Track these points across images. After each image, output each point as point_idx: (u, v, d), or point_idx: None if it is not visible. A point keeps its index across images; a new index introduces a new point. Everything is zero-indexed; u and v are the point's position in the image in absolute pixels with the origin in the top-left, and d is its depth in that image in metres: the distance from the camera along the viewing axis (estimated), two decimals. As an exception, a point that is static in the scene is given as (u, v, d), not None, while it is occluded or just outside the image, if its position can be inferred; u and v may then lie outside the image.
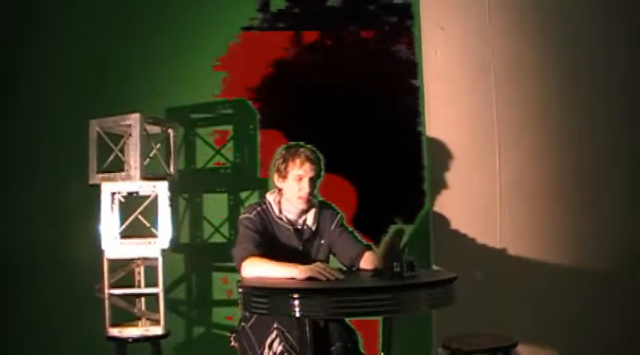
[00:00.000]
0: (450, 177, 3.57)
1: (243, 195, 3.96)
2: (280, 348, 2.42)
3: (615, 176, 3.43)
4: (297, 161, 2.63)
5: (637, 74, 3.43)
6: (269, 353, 2.44)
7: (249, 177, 3.95)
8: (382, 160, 3.81)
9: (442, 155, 3.59)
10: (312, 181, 2.64)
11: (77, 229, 3.60)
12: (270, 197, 2.74)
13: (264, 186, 3.93)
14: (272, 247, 2.60)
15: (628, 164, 3.42)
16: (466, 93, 3.55)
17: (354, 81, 3.74)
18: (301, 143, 2.71)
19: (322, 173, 2.71)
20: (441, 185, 3.59)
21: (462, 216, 3.54)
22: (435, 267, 3.52)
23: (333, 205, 2.83)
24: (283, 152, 2.69)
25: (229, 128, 4.02)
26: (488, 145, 3.52)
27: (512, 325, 3.19)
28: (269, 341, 2.46)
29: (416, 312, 2.58)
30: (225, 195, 3.96)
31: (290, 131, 3.89)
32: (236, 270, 2.59)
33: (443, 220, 3.58)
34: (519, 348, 2.95)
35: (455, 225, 3.55)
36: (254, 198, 3.88)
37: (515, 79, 3.53)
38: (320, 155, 2.70)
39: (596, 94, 3.43)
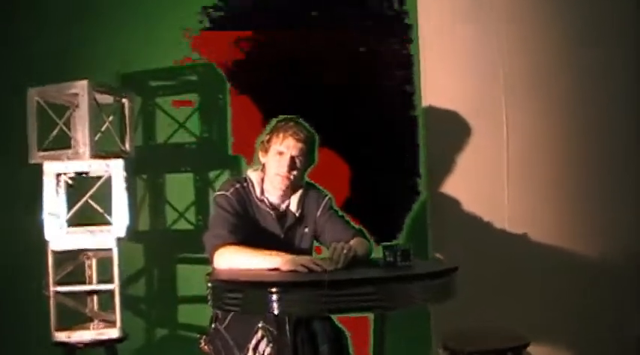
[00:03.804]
0: (449, 155, 3.61)
1: (212, 174, 3.99)
2: (268, 350, 2.43)
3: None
4: (281, 135, 2.65)
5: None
6: (255, 356, 2.44)
7: (219, 155, 3.97)
8: (376, 135, 3.92)
9: (440, 131, 3.63)
10: (295, 160, 2.65)
11: (17, 217, 3.61)
12: (253, 174, 2.75)
13: (236, 164, 3.96)
14: (251, 233, 2.60)
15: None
16: (469, 60, 3.54)
17: (342, 46, 3.84)
18: (296, 118, 2.72)
19: (315, 157, 2.73)
20: (439, 165, 3.63)
21: (464, 199, 3.56)
22: (434, 257, 3.58)
23: (320, 187, 2.85)
24: (272, 124, 2.72)
25: (195, 97, 4.04)
26: (495, 119, 3.52)
27: (521, 321, 3.22)
28: (253, 342, 2.46)
29: (411, 307, 2.59)
30: (191, 176, 4.00)
31: (268, 100, 3.93)
32: (206, 261, 2.58)
33: (442, 204, 3.62)
34: (530, 348, 2.96)
35: (455, 209, 3.57)
36: (224, 178, 3.91)
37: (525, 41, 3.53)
38: (313, 135, 2.70)
39: (624, 58, 3.47)
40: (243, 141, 3.95)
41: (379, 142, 3.97)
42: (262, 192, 2.71)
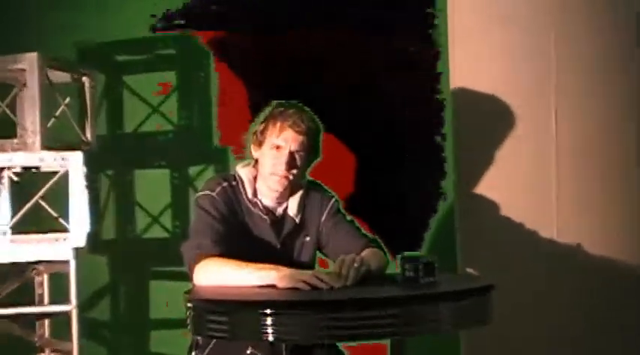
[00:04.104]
0: (484, 149, 3.65)
1: (193, 171, 4.02)
2: None
3: None
4: (278, 125, 2.64)
5: None
6: (243, 387, 2.44)
7: (202, 146, 3.99)
8: (392, 123, 3.94)
9: (473, 120, 3.67)
10: (295, 156, 2.65)
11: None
12: (243, 171, 2.75)
13: (223, 158, 3.97)
14: (240, 242, 2.61)
15: None
16: (511, 40, 3.61)
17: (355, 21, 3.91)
18: (298, 104, 2.72)
19: (319, 151, 2.72)
20: (470, 161, 3.68)
21: (501, 202, 3.60)
22: (464, 272, 3.60)
23: (325, 187, 2.86)
24: (268, 111, 2.72)
25: (172, 75, 4.04)
26: (541, 108, 3.59)
27: (572, 351, 3.23)
28: (241, 375, 2.45)
29: (436, 334, 2.60)
30: (167, 172, 4.02)
31: (264, 81, 3.94)
32: (185, 276, 2.58)
33: (474, 207, 3.65)
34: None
35: (490, 214, 3.60)
36: (208, 175, 3.92)
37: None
38: (317, 125, 2.70)
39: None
40: (231, 130, 3.96)
41: (395, 132, 3.99)
42: (255, 193, 2.71)
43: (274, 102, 2.75)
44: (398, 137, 3.98)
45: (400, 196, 3.99)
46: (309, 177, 2.82)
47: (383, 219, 3.85)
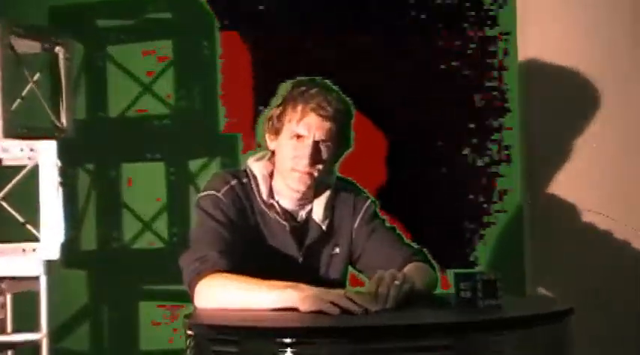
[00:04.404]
0: (558, 142, 3.71)
1: (194, 165, 4.05)
2: None
3: None
4: (299, 108, 2.63)
5: None
6: None
7: (205, 134, 4.05)
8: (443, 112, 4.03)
9: (548, 102, 3.73)
10: (321, 147, 2.65)
11: None
12: (256, 166, 2.75)
13: (230, 149, 3.99)
14: (253, 254, 2.61)
15: None
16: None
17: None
18: (323, 81, 2.72)
19: (350, 140, 2.74)
20: (543, 155, 3.72)
21: (584, 203, 3.64)
22: (535, 292, 3.60)
23: (359, 186, 2.87)
24: (286, 90, 2.72)
25: (168, 46, 4.07)
26: (625, 94, 3.67)
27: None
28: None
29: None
30: (162, 166, 4.06)
31: (283, 53, 3.96)
32: (185, 297, 2.56)
33: (548, 210, 3.68)
34: None
35: (569, 218, 3.63)
36: (213, 170, 3.94)
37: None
38: (348, 107, 2.71)
39: None
40: (241, 114, 4.00)
41: (449, 120, 4.06)
42: (271, 193, 2.71)
43: (294, 80, 2.74)
44: (451, 126, 4.07)
45: (450, 196, 4.05)
46: (338, 174, 2.82)
47: (428, 224, 3.91)
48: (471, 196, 4.03)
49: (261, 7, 4.01)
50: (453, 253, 3.93)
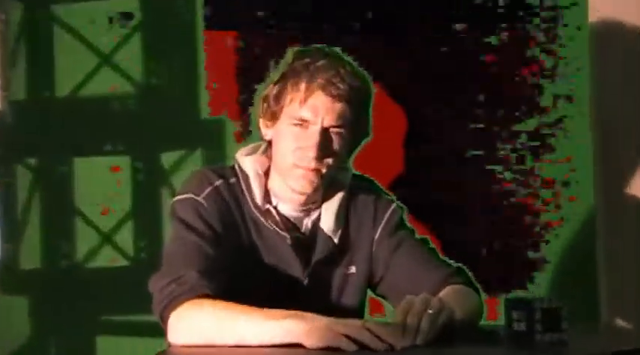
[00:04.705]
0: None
1: (167, 159, 4.11)
2: None
3: None
4: (302, 85, 2.59)
5: None
6: None
7: (182, 119, 4.06)
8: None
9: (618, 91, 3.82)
10: (332, 136, 2.61)
11: None
12: (248, 161, 2.72)
13: (215, 138, 3.98)
14: (244, 275, 2.60)
15: None
16: None
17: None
18: (333, 50, 2.69)
19: (369, 126, 2.72)
20: (618, 145, 3.83)
21: None
22: (612, 323, 3.61)
23: (382, 187, 2.87)
24: (286, 63, 2.70)
25: (134, 4, 4.07)
26: None
27: None
28: None
29: None
30: (127, 161, 4.08)
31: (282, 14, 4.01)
32: (156, 329, 2.49)
33: (624, 215, 3.73)
34: None
35: None
36: (191, 167, 3.94)
37: None
38: (366, 83, 2.68)
39: None
40: (230, 92, 4.04)
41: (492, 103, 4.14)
42: (267, 197, 2.66)
43: (294, 49, 2.71)
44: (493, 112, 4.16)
45: (498, 197, 4.09)
46: (353, 170, 2.79)
47: (469, 235, 4.02)
48: (526, 200, 4.06)
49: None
50: (503, 273, 3.95)
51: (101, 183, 4.05)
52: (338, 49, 2.70)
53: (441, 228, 3.77)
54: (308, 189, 2.59)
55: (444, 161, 4.09)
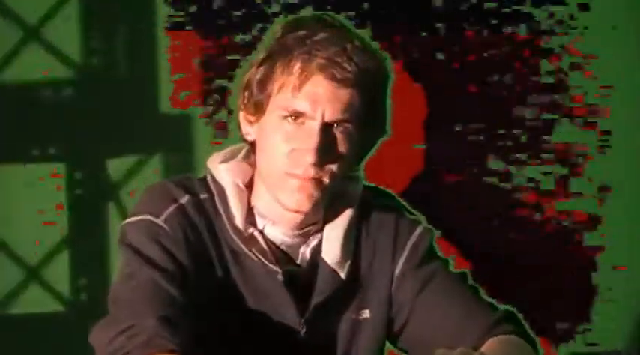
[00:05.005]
0: None
1: (117, 166, 4.07)
2: None
3: None
4: (297, 66, 2.49)
5: None
6: None
7: (136, 112, 3.99)
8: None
9: None
10: (335, 134, 2.49)
11: None
12: (224, 170, 2.64)
13: (179, 137, 3.94)
14: (219, 323, 2.43)
15: None
16: None
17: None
18: (334, 18, 2.63)
19: (386, 120, 2.65)
20: None
21: None
22: None
23: (403, 202, 2.69)
24: (272, 36, 2.59)
25: None
26: None
27: None
28: None
29: None
30: (62, 168, 4.04)
31: None
32: None
33: None
34: None
35: None
36: (148, 177, 3.95)
37: None
38: (380, 61, 2.54)
39: None
40: (195, 80, 4.13)
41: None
42: (251, 217, 2.55)
43: (286, 20, 2.56)
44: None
45: (552, 226, 4.29)
46: (364, 181, 2.64)
47: (517, 269, 4.18)
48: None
49: None
50: (563, 320, 3.98)
51: (27, 199, 3.97)
52: (344, 18, 2.54)
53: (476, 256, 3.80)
54: (305, 206, 2.39)
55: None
